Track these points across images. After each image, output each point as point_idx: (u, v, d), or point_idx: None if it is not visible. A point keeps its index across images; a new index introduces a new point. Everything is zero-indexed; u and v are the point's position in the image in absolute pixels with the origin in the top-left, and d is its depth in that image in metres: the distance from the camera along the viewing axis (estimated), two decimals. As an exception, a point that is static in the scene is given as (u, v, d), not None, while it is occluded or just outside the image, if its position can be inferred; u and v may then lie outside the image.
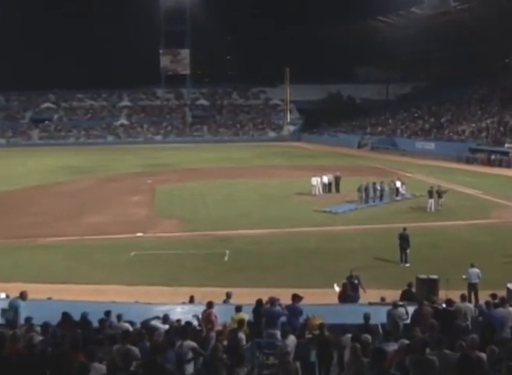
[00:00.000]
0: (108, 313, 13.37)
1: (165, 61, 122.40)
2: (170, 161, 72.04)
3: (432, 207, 35.68)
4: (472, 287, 19.41)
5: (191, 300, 17.69)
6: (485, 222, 33.01)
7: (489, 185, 47.27)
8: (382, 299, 17.38)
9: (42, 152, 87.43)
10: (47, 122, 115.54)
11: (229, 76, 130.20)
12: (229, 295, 16.91)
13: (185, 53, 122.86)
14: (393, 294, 16.93)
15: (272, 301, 13.81)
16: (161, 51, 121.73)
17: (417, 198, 40.70)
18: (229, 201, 41.14)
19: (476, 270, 19.73)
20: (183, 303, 17.30)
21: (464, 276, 19.68)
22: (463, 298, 14.64)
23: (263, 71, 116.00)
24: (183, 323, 13.23)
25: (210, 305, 13.94)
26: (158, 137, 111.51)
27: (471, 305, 14.50)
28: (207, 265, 25.12)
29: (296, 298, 14.29)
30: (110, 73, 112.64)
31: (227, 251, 26.96)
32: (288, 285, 20.36)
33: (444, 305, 14.88)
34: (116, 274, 23.91)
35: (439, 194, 36.12)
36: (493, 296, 14.52)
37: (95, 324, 12.72)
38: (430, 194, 35.89)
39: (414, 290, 17.37)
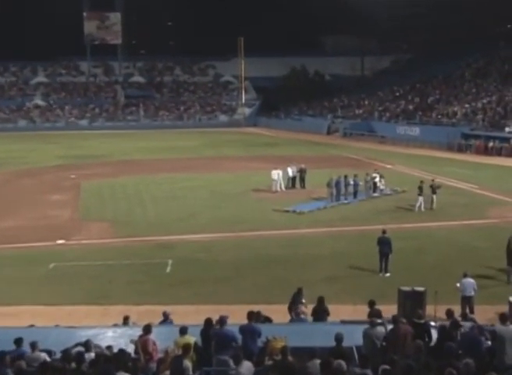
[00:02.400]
0: (19, 341, 13.13)
1: (90, 27, 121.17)
2: (99, 151, 71.34)
3: (422, 206, 35.98)
4: (466, 301, 19.61)
5: (125, 321, 17.56)
6: (481, 222, 33.58)
7: (486, 178, 48.16)
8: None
9: None
10: None
11: (170, 47, 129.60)
12: (166, 315, 16.82)
13: (115, 18, 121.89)
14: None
15: (222, 320, 13.75)
16: (84, 14, 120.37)
17: (399, 194, 41.21)
18: (171, 200, 40.97)
19: (471, 281, 19.91)
20: (115, 325, 17.16)
21: (457, 284, 19.92)
22: (448, 314, 14.82)
23: (212, 41, 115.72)
24: (115, 350, 13.10)
25: (147, 329, 13.78)
26: (83, 122, 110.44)
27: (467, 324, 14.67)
28: (144, 278, 24.96)
29: (252, 315, 14.27)
30: (21, 42, 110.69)
31: (169, 261, 26.86)
32: (243, 301, 20.43)
33: (433, 323, 15.08)
34: (31, 292, 23.53)
35: (433, 190, 36.47)
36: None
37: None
38: (420, 190, 36.02)
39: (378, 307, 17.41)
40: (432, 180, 37.62)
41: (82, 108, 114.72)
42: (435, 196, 36.28)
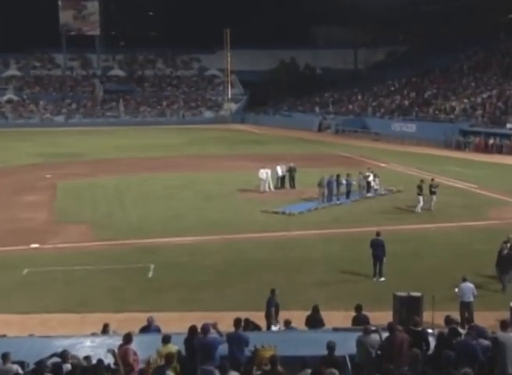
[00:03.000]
0: (-11, 352, 13.06)
1: (66, 17, 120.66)
2: (76, 149, 71.08)
3: (419, 207, 36.08)
4: (465, 307, 19.63)
5: (105, 329, 17.50)
6: (480, 224, 33.70)
7: (486, 177, 48.38)
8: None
9: None
10: None
11: (151, 39, 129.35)
12: (150, 321, 16.79)
13: (93, 7, 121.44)
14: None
15: (205, 328, 13.69)
16: (60, 3, 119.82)
17: (394, 194, 41.32)
18: (153, 201, 40.89)
19: (470, 285, 19.94)
20: (94, 334, 17.09)
21: (456, 289, 19.98)
22: (447, 321, 14.83)
23: (196, 32, 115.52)
24: (93, 361, 13.04)
25: (127, 339, 13.70)
26: (60, 118, 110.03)
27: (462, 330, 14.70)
28: (125, 283, 24.89)
29: (239, 323, 14.25)
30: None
31: (152, 266, 26.80)
32: (230, 307, 20.42)
33: (431, 330, 15.10)
34: (3, 299, 23.38)
35: (431, 189, 36.49)
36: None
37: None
38: (420, 189, 36.10)
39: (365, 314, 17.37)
40: (432, 180, 37.66)
41: (58, 103, 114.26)
42: (434, 196, 36.39)
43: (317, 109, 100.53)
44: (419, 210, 35.91)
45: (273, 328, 18.17)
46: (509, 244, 23.40)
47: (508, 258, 22.96)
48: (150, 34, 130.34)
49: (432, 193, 36.34)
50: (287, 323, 17.44)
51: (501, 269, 23.08)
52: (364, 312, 17.24)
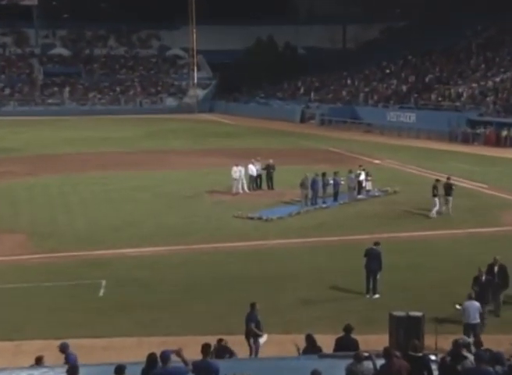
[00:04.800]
0: None
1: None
2: (10, 143, 70.70)
3: (435, 210, 36.05)
4: (471, 329, 19.63)
5: (38, 363, 17.17)
6: (491, 230, 33.89)
7: (498, 175, 48.77)
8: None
9: None
10: None
11: (102, 11, 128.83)
12: (63, 348, 16.27)
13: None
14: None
15: (165, 356, 13.60)
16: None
17: (390, 196, 41.46)
18: (105, 205, 40.79)
19: (476, 304, 19.93)
20: (33, 366, 16.94)
21: (457, 306, 20.02)
22: (456, 346, 14.84)
23: (156, 4, 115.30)
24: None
25: (73, 371, 13.57)
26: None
27: (471, 357, 14.72)
28: (71, 303, 24.76)
29: (207, 349, 14.20)
30: None
31: (103, 282, 26.69)
32: (197, 331, 20.42)
33: (433, 356, 15.14)
34: None
35: (447, 190, 36.50)
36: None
37: None
38: (436, 190, 36.22)
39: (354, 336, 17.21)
40: (448, 179, 37.80)
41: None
42: (451, 198, 36.50)
43: (300, 97, 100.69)
44: (434, 214, 35.99)
45: (261, 340, 18.16)
46: (496, 268, 23.26)
47: (487, 284, 22.28)
48: (99, 6, 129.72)
49: (447, 193, 36.45)
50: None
51: (480, 300, 21.25)
52: (355, 336, 17.10)
